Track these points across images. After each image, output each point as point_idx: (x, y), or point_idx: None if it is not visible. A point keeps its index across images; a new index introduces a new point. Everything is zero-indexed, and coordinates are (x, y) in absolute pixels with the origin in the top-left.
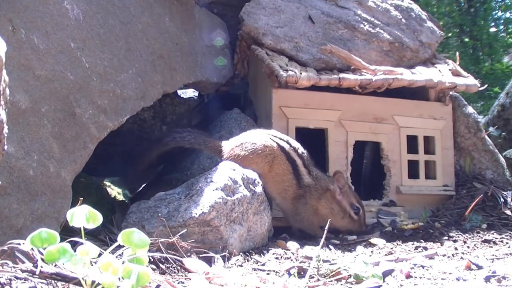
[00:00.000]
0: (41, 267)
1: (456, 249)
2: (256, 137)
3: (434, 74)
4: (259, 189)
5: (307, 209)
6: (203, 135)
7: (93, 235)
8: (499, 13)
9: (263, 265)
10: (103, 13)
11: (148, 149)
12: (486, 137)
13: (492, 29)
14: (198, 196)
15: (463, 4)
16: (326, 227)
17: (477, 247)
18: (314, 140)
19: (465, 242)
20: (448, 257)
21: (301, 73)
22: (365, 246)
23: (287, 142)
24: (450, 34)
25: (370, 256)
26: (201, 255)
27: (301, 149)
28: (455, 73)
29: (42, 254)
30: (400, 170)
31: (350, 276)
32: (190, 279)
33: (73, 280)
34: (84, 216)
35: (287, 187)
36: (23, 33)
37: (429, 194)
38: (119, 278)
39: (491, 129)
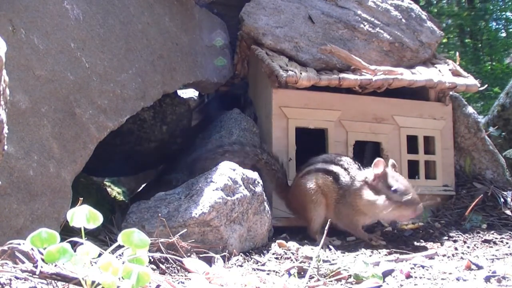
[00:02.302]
0: (41, 267)
1: (456, 249)
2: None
3: (434, 74)
4: (259, 189)
5: (347, 208)
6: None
7: (93, 235)
8: (500, 13)
9: (263, 265)
10: (103, 13)
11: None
12: (486, 137)
13: (493, 29)
14: (198, 196)
15: (464, 5)
16: (326, 227)
17: (477, 247)
18: (314, 140)
19: (465, 242)
20: (448, 257)
21: (301, 73)
22: (365, 246)
23: (335, 163)
24: (451, 36)
25: (370, 256)
26: (201, 255)
27: (347, 160)
28: (455, 73)
29: (42, 254)
30: (400, 170)
31: (350, 276)
32: (190, 279)
33: (73, 280)
34: (84, 216)
35: (333, 196)
36: (23, 33)
37: (429, 194)
38: (119, 278)
39: (491, 129)
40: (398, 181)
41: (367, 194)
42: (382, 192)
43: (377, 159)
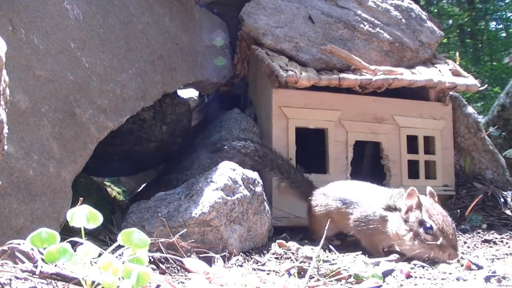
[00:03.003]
0: (41, 267)
1: None
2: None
3: (434, 74)
4: (259, 189)
5: (365, 229)
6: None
7: (93, 235)
8: (500, 12)
9: (263, 265)
10: (103, 13)
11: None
12: (486, 137)
13: (493, 29)
14: (198, 196)
15: (465, 5)
16: (326, 227)
17: (477, 247)
18: (314, 140)
19: (465, 242)
20: None
21: (301, 73)
22: None
23: (351, 189)
24: (451, 36)
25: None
26: (201, 255)
27: (368, 186)
28: (455, 73)
29: (42, 254)
30: (400, 170)
31: (350, 276)
32: (190, 279)
33: (73, 280)
34: (84, 216)
35: (344, 221)
36: (23, 33)
37: None
38: (119, 278)
39: (491, 129)
40: (434, 217)
41: (395, 224)
42: (413, 228)
43: (411, 188)
